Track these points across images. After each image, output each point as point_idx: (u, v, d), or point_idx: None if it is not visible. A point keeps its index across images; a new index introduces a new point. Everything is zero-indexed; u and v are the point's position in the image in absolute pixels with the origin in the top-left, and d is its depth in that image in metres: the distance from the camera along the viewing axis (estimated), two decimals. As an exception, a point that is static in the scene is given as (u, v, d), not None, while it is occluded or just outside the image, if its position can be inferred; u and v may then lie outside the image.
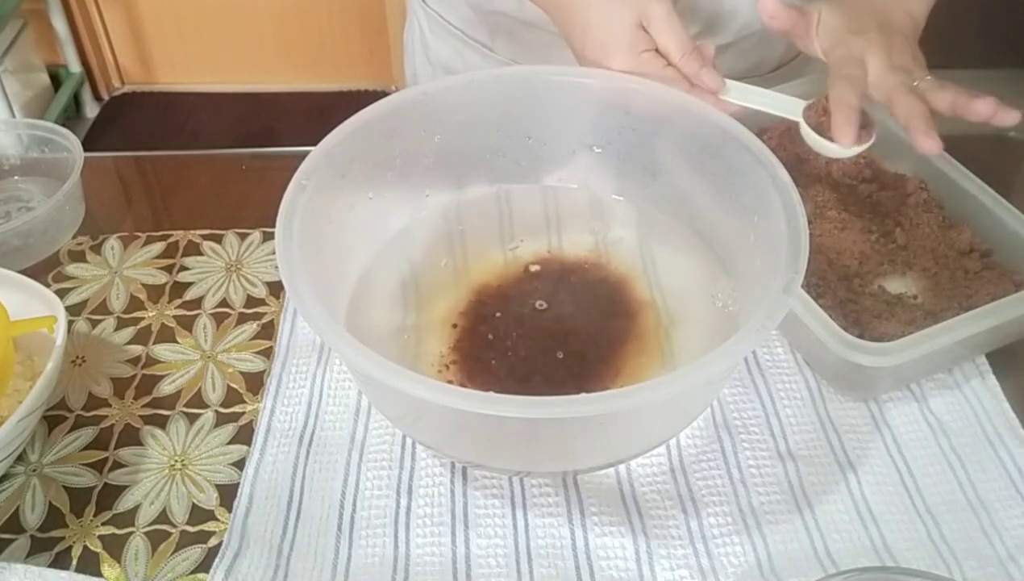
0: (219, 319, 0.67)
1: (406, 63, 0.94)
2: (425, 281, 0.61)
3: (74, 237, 0.74)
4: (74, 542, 0.54)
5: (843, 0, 0.64)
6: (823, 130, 0.59)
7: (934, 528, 0.54)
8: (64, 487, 0.57)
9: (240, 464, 0.57)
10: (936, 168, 0.66)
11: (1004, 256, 0.63)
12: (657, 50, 0.60)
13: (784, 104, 0.61)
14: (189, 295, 0.69)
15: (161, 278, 0.71)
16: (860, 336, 0.56)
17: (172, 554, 0.53)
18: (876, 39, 0.60)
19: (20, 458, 0.58)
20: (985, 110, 0.57)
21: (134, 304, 0.69)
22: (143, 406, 0.61)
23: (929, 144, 0.56)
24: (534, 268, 0.61)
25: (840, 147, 0.58)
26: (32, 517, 0.55)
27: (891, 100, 0.58)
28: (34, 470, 0.58)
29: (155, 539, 0.54)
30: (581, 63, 0.62)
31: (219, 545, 0.53)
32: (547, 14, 0.64)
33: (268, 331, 0.66)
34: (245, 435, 0.59)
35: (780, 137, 0.71)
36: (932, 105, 0.58)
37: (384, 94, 0.62)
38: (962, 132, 0.67)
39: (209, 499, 0.56)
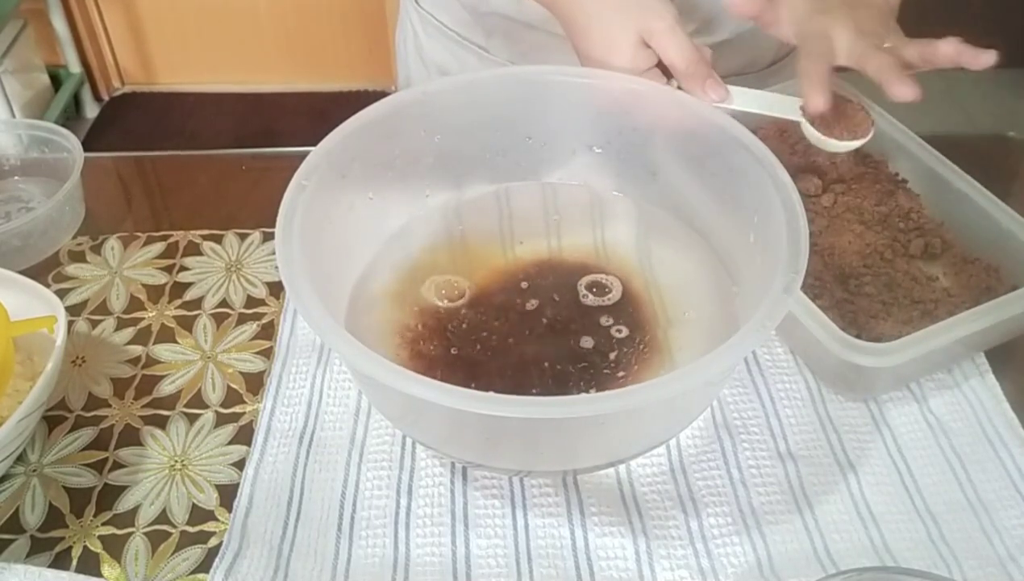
0: (219, 319, 0.67)
1: (398, 65, 0.94)
2: (425, 281, 0.61)
3: (74, 237, 0.75)
4: (74, 542, 0.54)
5: None
6: (824, 125, 0.59)
7: (934, 528, 0.54)
8: (64, 487, 0.57)
9: (240, 464, 0.57)
10: (929, 168, 0.67)
11: (1000, 257, 0.62)
12: (660, 64, 0.60)
13: (781, 104, 0.61)
14: (189, 295, 0.69)
15: (161, 278, 0.71)
16: (857, 336, 0.56)
17: (172, 554, 0.53)
18: (842, 14, 0.60)
19: (20, 458, 0.58)
20: (948, 50, 0.57)
21: (134, 304, 0.69)
22: (143, 406, 0.61)
23: (904, 90, 0.56)
24: (534, 268, 0.61)
25: (840, 141, 0.58)
26: (32, 517, 0.55)
27: (862, 63, 0.58)
28: (34, 470, 0.58)
29: (155, 539, 0.54)
30: None
31: (219, 545, 0.53)
32: (561, 23, 0.64)
33: (268, 331, 0.66)
34: (245, 435, 0.59)
35: (775, 137, 0.71)
36: (903, 59, 0.58)
37: (384, 94, 0.61)
38: (962, 133, 0.67)
39: (209, 499, 0.56)
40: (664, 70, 0.60)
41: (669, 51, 0.58)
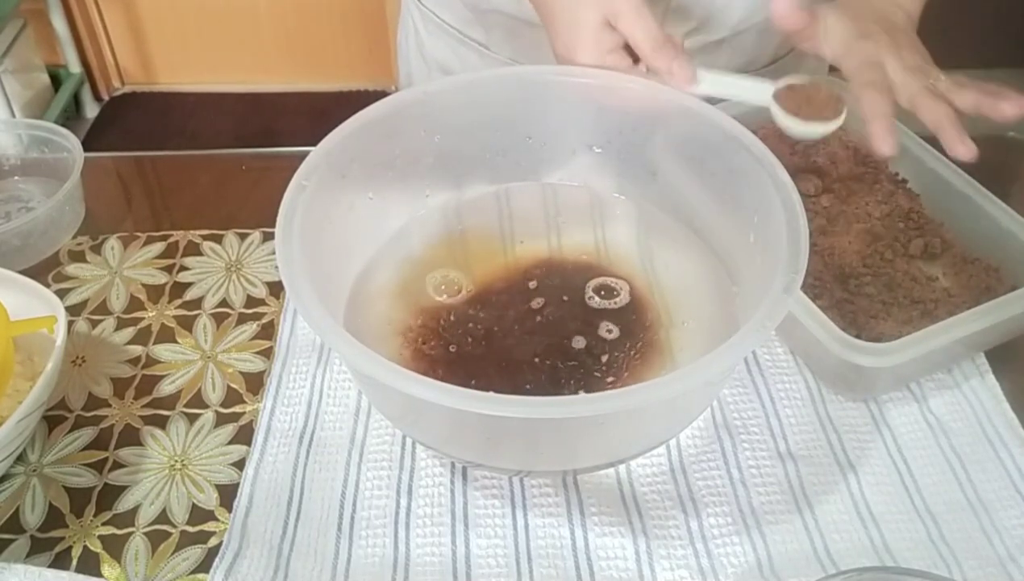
0: (219, 319, 0.67)
1: (400, 63, 0.94)
2: (425, 281, 0.61)
3: (74, 237, 0.75)
4: (74, 542, 0.54)
5: (844, 2, 0.63)
6: (795, 112, 0.58)
7: (934, 528, 0.54)
8: (64, 487, 0.57)
9: (240, 464, 0.57)
10: (929, 168, 0.67)
11: (1000, 257, 0.62)
12: (627, 46, 0.59)
13: (754, 90, 0.60)
14: (189, 295, 0.69)
15: (161, 278, 0.71)
16: (857, 336, 0.56)
17: (172, 554, 0.53)
18: (886, 42, 0.60)
19: (20, 458, 0.58)
20: (1013, 111, 0.57)
21: (134, 304, 0.69)
22: (143, 406, 0.61)
23: (964, 150, 0.56)
24: (534, 268, 0.61)
25: (811, 127, 0.58)
26: (32, 517, 0.55)
27: (916, 105, 0.58)
28: (34, 470, 0.58)
29: (155, 539, 0.54)
30: (556, 62, 0.62)
31: (219, 545, 0.53)
32: (535, 10, 0.64)
33: (268, 331, 0.66)
34: (245, 435, 0.59)
35: (775, 137, 0.71)
36: (956, 106, 0.58)
37: (384, 94, 0.62)
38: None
39: (209, 499, 0.56)
40: (632, 54, 0.60)
41: (635, 33, 0.58)
